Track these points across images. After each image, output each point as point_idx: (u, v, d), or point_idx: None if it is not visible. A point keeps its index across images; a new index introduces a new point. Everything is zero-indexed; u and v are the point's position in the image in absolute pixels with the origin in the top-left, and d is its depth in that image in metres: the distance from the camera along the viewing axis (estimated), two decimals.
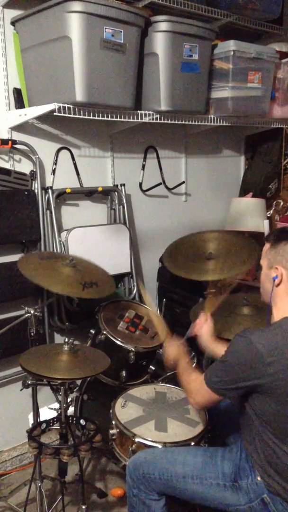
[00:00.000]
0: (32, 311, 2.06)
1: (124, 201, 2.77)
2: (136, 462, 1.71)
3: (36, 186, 2.45)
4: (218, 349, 1.87)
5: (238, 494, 1.58)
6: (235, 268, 2.23)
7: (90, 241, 2.59)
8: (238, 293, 2.46)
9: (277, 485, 1.53)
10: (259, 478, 1.57)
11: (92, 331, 2.35)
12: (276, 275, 1.57)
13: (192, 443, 1.83)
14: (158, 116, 2.56)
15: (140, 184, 2.98)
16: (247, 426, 1.60)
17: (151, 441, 1.83)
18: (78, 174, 2.67)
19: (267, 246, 1.63)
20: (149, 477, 1.66)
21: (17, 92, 2.38)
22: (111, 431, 1.94)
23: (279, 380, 1.44)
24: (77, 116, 2.24)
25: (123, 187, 2.79)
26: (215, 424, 1.94)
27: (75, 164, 2.66)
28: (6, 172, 2.34)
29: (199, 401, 1.67)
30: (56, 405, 2.03)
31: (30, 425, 2.17)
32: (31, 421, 2.29)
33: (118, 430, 1.93)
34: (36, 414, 2.13)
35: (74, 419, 2.05)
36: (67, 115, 2.21)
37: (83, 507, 1.94)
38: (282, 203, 3.53)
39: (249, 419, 1.57)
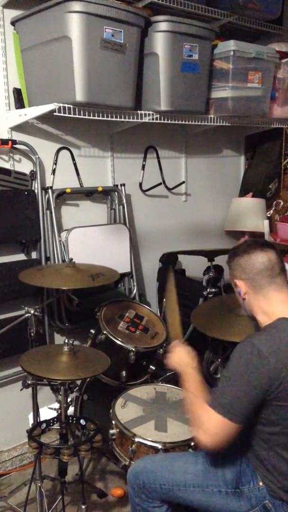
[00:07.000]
0: (32, 311, 2.06)
1: (124, 201, 2.77)
2: (135, 471, 1.69)
3: (36, 186, 2.45)
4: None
5: (240, 500, 1.57)
6: None
7: (90, 241, 2.59)
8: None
9: (279, 489, 1.52)
10: (261, 483, 1.56)
11: (92, 331, 2.34)
12: (239, 290, 1.61)
13: (192, 443, 1.83)
14: (158, 116, 2.56)
15: (140, 184, 2.98)
16: (245, 432, 1.56)
17: (151, 441, 1.83)
18: (78, 174, 2.67)
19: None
20: (150, 486, 1.64)
21: (17, 92, 2.38)
22: (111, 431, 1.94)
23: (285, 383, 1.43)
24: (77, 116, 2.24)
25: (123, 187, 2.79)
26: None
27: (75, 164, 2.66)
28: (6, 172, 2.34)
29: (209, 438, 1.44)
30: (56, 405, 2.03)
31: (30, 425, 2.17)
32: (31, 421, 2.29)
33: (118, 430, 1.93)
34: (36, 414, 2.13)
35: (74, 419, 2.04)
36: (67, 115, 2.21)
37: (83, 507, 1.94)
38: (282, 203, 3.53)
39: (247, 424, 1.53)
